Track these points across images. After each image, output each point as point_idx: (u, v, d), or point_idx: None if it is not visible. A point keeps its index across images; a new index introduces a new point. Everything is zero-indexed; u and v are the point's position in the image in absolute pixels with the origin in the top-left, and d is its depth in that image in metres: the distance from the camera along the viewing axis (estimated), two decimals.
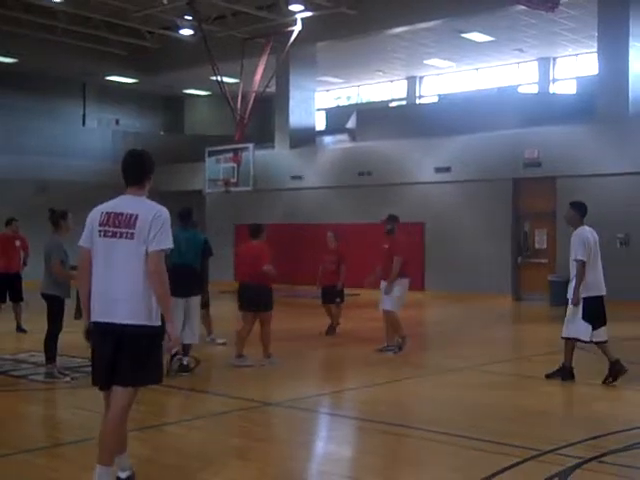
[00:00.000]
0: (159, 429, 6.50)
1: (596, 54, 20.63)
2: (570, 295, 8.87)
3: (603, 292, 9.03)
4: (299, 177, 25.07)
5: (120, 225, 4.88)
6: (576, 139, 19.72)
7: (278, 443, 6.64)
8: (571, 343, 9.03)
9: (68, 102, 30.58)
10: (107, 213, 4.95)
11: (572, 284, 8.86)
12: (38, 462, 5.92)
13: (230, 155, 23.20)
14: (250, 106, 24.11)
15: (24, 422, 7.65)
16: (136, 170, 5.07)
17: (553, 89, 28.21)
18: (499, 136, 20.84)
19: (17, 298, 13.51)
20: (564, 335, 9.03)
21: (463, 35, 24.94)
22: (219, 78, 23.56)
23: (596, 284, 8.93)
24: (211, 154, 23.93)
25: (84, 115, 31.23)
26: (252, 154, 22.59)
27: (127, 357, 4.85)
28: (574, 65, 27.91)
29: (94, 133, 29.96)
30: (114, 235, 4.88)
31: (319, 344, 12.68)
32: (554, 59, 28.32)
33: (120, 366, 4.87)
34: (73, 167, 26.75)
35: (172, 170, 26.10)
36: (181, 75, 29.07)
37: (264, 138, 26.70)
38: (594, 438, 6.56)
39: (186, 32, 25.19)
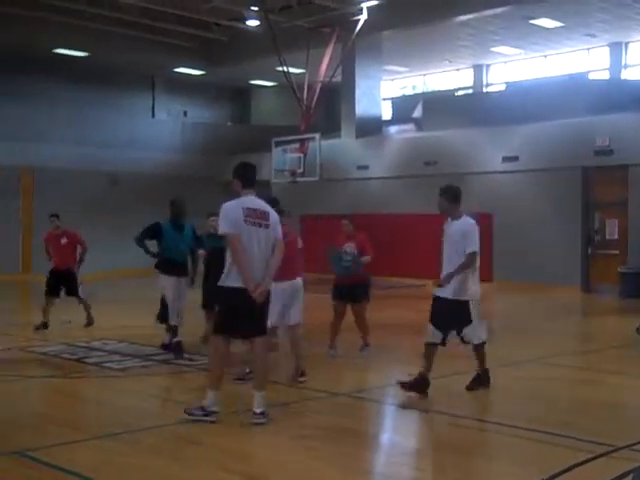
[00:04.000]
0: (227, 417, 6.58)
1: None
2: (467, 294, 7.85)
3: None
4: (365, 167, 25.01)
5: (260, 217, 6.72)
6: None
7: (346, 434, 6.65)
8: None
9: (137, 94, 31.01)
10: (247, 208, 6.67)
11: (456, 277, 7.78)
12: (110, 447, 6.06)
13: (296, 145, 23.30)
14: (316, 96, 24.15)
15: (97, 408, 7.83)
16: (254, 177, 7.02)
17: (625, 75, 27.51)
18: (569, 124, 20.41)
19: (72, 294, 13.17)
20: (482, 340, 8.11)
21: (531, 21, 24.47)
22: (285, 68, 23.65)
23: None
24: (278, 144, 24.06)
25: (153, 107, 31.65)
26: (318, 144, 22.62)
27: (261, 312, 6.74)
28: None
29: (164, 125, 30.37)
30: (254, 224, 6.66)
31: (391, 334, 12.64)
32: (626, 44, 27.59)
33: (257, 320, 6.69)
34: (143, 159, 27.17)
35: (239, 161, 26.27)
36: (248, 66, 29.21)
37: (330, 128, 26.69)
38: None
39: (252, 23, 25.30)
